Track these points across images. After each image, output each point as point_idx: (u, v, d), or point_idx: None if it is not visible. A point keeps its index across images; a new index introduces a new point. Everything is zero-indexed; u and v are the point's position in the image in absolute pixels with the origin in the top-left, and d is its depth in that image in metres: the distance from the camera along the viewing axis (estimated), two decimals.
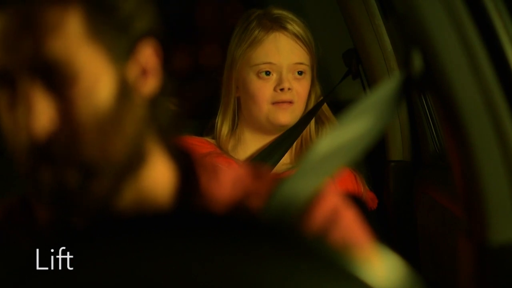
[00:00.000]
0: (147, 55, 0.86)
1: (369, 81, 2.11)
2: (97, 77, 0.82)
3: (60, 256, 0.66)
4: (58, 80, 0.81)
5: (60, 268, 0.66)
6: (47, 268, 0.66)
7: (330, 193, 0.92)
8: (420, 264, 1.94)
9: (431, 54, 0.93)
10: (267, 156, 1.85)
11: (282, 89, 1.81)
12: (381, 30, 2.02)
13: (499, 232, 0.93)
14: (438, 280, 1.75)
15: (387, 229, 2.07)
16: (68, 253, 0.67)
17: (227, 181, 0.93)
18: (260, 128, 1.86)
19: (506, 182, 0.93)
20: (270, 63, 1.82)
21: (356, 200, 1.29)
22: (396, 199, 2.07)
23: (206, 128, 1.99)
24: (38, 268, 0.66)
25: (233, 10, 2.35)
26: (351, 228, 0.92)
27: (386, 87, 0.90)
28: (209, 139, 1.92)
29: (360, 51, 2.07)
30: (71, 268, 0.66)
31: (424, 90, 1.03)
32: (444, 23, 0.93)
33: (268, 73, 1.82)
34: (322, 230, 0.90)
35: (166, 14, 0.89)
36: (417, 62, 0.92)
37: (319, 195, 0.90)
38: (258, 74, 1.82)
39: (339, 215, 0.91)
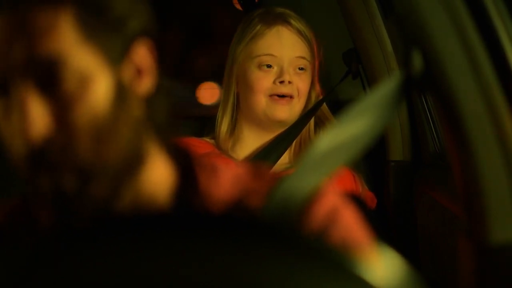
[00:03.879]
0: (142, 55, 0.86)
1: (369, 81, 2.11)
2: (92, 79, 0.82)
3: (60, 256, 0.66)
4: (52, 83, 0.81)
5: (60, 268, 0.66)
6: (47, 268, 0.66)
7: (329, 192, 0.92)
8: (420, 264, 1.94)
9: (431, 54, 0.93)
10: (266, 156, 1.84)
11: (282, 82, 1.80)
12: (381, 30, 2.02)
13: (499, 232, 0.93)
14: (438, 280, 1.75)
15: (387, 229, 2.07)
16: (68, 253, 0.67)
17: (226, 180, 0.93)
18: (258, 123, 1.86)
19: (506, 182, 0.93)
20: (271, 55, 1.82)
21: (354, 200, 1.29)
22: (396, 199, 2.07)
23: (206, 128, 1.98)
24: (38, 268, 0.66)
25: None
26: (351, 227, 0.92)
27: (386, 87, 0.90)
28: (208, 140, 1.92)
29: (360, 51, 2.07)
30: (71, 268, 0.66)
31: (424, 90, 1.03)
32: (444, 23, 0.93)
33: (269, 66, 1.82)
34: (322, 229, 0.90)
35: (184, 16, 0.89)
36: (417, 62, 0.92)
37: (319, 194, 0.90)
38: (259, 66, 1.82)
39: (339, 214, 0.91)
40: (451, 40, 0.93)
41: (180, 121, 0.94)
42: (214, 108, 1.95)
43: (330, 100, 1.97)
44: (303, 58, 1.84)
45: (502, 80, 0.93)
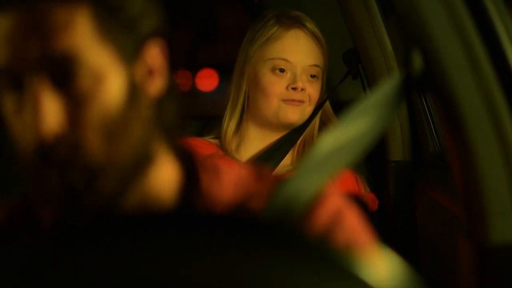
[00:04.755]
0: (154, 55, 0.87)
1: (369, 81, 2.11)
2: (105, 77, 0.82)
3: (60, 256, 0.66)
4: (66, 80, 0.81)
5: (60, 268, 0.66)
6: (47, 268, 0.66)
7: (332, 194, 0.92)
8: (420, 264, 1.94)
9: (431, 54, 0.93)
10: (269, 157, 1.84)
11: (295, 88, 1.80)
12: (381, 30, 2.02)
13: (499, 232, 0.93)
14: (438, 280, 1.75)
15: (387, 229, 2.07)
16: (68, 253, 0.67)
17: (229, 182, 0.93)
18: (266, 125, 1.85)
19: (506, 182, 0.93)
20: (286, 60, 1.81)
21: (357, 201, 1.29)
22: (396, 199, 2.07)
23: (206, 128, 1.98)
24: (38, 268, 0.66)
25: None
26: (354, 229, 0.91)
27: (386, 87, 0.90)
28: (210, 140, 1.92)
29: (360, 51, 2.07)
30: (72, 268, 0.66)
31: (424, 90, 1.03)
32: (444, 23, 0.93)
33: (282, 70, 1.81)
34: (325, 230, 0.90)
35: (190, 14, 0.90)
36: (417, 62, 0.92)
37: (322, 195, 0.90)
38: (272, 69, 1.81)
39: (342, 216, 0.91)
40: (451, 39, 0.93)
41: (186, 122, 0.93)
42: (214, 107, 1.95)
43: (331, 100, 1.97)
44: (317, 66, 1.83)
45: (502, 80, 0.93)
